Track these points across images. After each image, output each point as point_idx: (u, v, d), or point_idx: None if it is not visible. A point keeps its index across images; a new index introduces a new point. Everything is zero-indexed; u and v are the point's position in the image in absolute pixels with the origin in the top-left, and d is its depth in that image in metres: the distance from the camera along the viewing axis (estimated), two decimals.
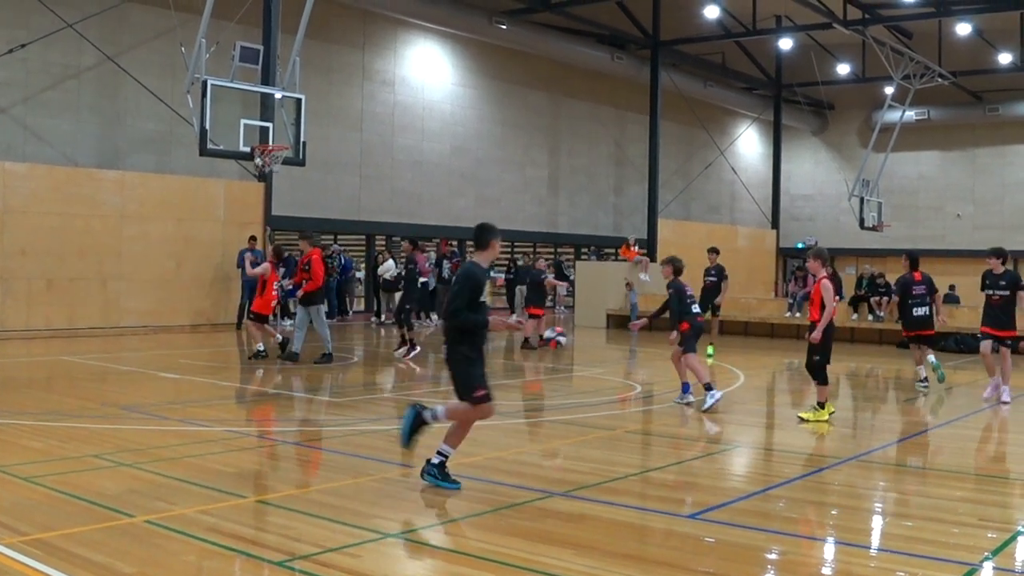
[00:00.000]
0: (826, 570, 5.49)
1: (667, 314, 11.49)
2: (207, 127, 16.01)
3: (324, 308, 15.36)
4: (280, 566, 5.12)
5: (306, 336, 14.86)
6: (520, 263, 27.79)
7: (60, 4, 19.67)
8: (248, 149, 16.79)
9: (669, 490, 7.35)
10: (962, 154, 38.68)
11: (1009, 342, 12.11)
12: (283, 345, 15.12)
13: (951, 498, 7.05)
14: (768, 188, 40.35)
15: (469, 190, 29.63)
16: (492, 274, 31.59)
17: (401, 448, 7.09)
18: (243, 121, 16.68)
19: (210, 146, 16.24)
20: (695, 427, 10.41)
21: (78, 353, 15.80)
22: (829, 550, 5.83)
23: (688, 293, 11.32)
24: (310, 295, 14.66)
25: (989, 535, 6.04)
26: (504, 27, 27.63)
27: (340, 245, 26.48)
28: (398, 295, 19.30)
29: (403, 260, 16.30)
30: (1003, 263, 12.12)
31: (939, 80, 30.50)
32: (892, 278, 17.96)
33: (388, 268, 23.94)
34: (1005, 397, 11.98)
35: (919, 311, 13.34)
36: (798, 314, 22.45)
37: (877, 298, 21.72)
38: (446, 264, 25.43)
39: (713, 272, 17.79)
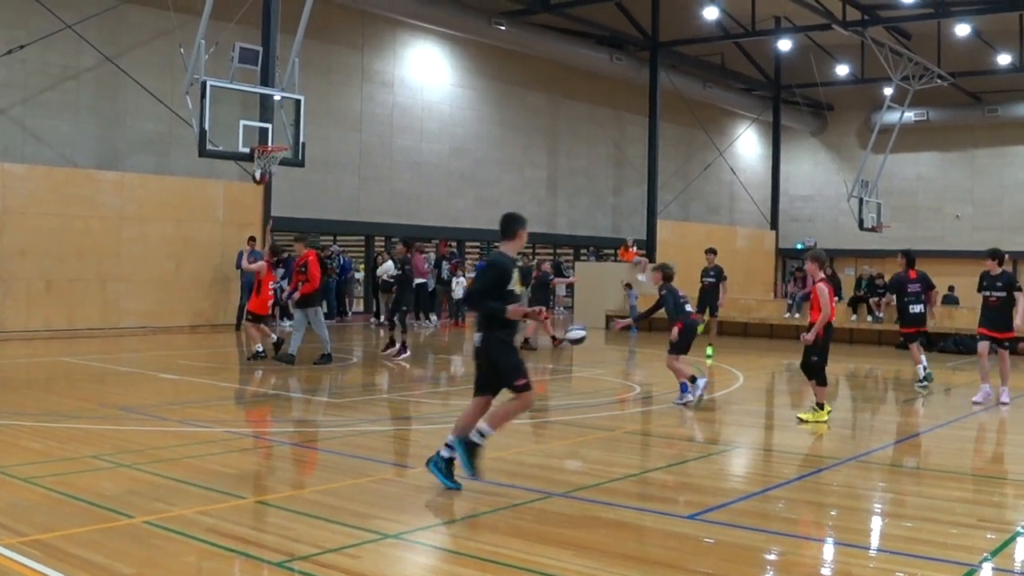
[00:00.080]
0: (825, 571, 5.49)
1: (663, 313, 11.65)
2: (206, 128, 16.00)
3: (322, 309, 15.35)
4: (279, 567, 5.12)
5: (304, 337, 14.85)
6: (519, 264, 27.76)
7: (59, 5, 19.66)
8: (247, 150, 16.77)
9: (668, 491, 7.35)
10: (961, 155, 38.69)
11: (1007, 343, 12.13)
12: (277, 345, 15.11)
13: (950, 499, 7.06)
14: (767, 189, 40.37)
15: (468, 191, 29.64)
16: None
17: (475, 479, 6.85)
18: (242, 122, 16.67)
19: (209, 147, 16.22)
20: (694, 428, 10.42)
21: (77, 354, 15.80)
22: (828, 551, 5.83)
23: (680, 294, 11.54)
24: (308, 297, 14.65)
25: (988, 536, 6.05)
26: (503, 28, 27.63)
27: (339, 246, 26.49)
28: None
29: (399, 261, 16.26)
30: (1000, 264, 12.14)
31: (938, 81, 30.50)
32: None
33: (387, 269, 23.85)
34: (1004, 398, 11.98)
35: (915, 308, 13.60)
36: (797, 315, 22.46)
37: (876, 299, 21.72)
38: (445, 265, 25.45)
39: (712, 273, 17.80)
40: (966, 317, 19.66)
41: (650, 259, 28.92)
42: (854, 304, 22.70)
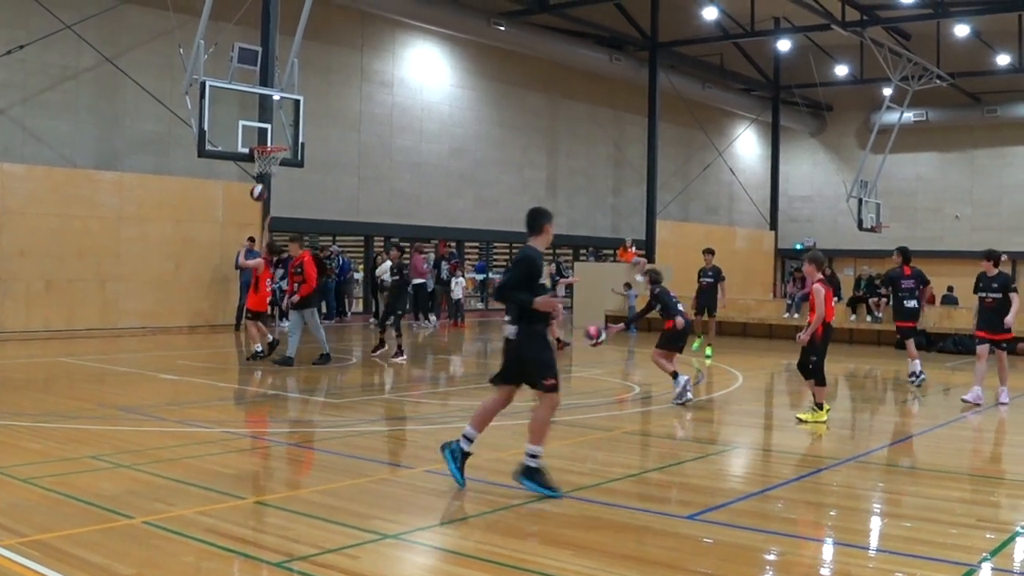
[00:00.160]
0: (824, 571, 5.49)
1: (658, 313, 11.86)
2: (205, 128, 16.00)
3: (320, 310, 15.34)
4: (278, 567, 5.12)
5: (302, 339, 14.84)
6: None
7: (59, 5, 19.66)
8: (247, 150, 16.78)
9: (667, 491, 7.35)
10: (960, 155, 38.70)
11: (1004, 344, 12.14)
12: (272, 345, 15.09)
13: (949, 499, 7.06)
14: (766, 189, 40.38)
15: (467, 191, 29.64)
16: (490, 275, 31.79)
17: (551, 493, 6.68)
18: (241, 122, 16.67)
19: (208, 147, 16.23)
20: (694, 428, 10.42)
21: (76, 354, 15.80)
22: (827, 551, 5.83)
23: (671, 294, 11.80)
24: (305, 298, 14.63)
25: (987, 536, 6.05)
26: (502, 28, 27.63)
27: (338, 246, 26.48)
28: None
29: (395, 266, 16.23)
30: (996, 265, 12.15)
31: (937, 81, 30.51)
32: None
33: (386, 269, 23.91)
34: (1003, 398, 11.99)
35: (908, 303, 14.05)
36: (796, 315, 22.46)
37: (875, 299, 21.74)
38: (444, 265, 25.44)
39: (710, 273, 17.82)
40: (965, 317, 19.68)
41: (649, 259, 28.94)
42: (853, 304, 22.71)
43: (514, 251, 30.57)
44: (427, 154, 28.40)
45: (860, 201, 31.17)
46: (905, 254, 14.26)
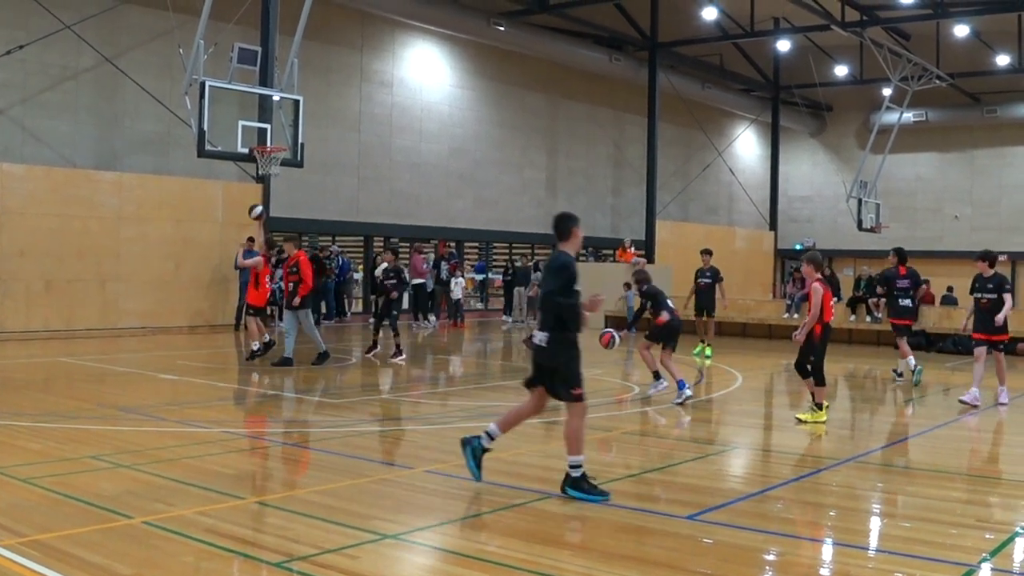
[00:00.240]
0: (824, 571, 5.49)
1: (648, 312, 12.12)
2: (205, 128, 16.01)
3: (319, 310, 15.31)
4: (278, 567, 5.12)
5: (298, 339, 14.82)
6: (518, 264, 27.79)
7: (58, 5, 19.66)
8: (246, 150, 16.78)
9: (667, 491, 7.36)
10: (960, 156, 38.71)
11: (1001, 345, 12.15)
12: (268, 346, 15.08)
13: (949, 499, 7.07)
14: (766, 190, 40.37)
15: (467, 191, 29.64)
16: (490, 275, 31.77)
17: (599, 499, 6.67)
18: (241, 122, 16.68)
19: (208, 147, 16.23)
20: (693, 428, 10.43)
21: (76, 354, 15.80)
22: (827, 551, 5.84)
23: (661, 292, 12.13)
24: (302, 299, 14.60)
25: (987, 536, 6.05)
26: (502, 28, 27.63)
27: (338, 246, 26.48)
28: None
29: (392, 272, 16.19)
30: (992, 266, 12.15)
31: (937, 82, 30.51)
32: None
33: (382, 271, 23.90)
34: (1003, 399, 12.00)
35: (903, 301, 14.44)
36: (796, 315, 22.47)
37: (875, 299, 21.75)
38: (444, 265, 25.44)
39: (708, 274, 17.85)
40: (964, 317, 19.65)
41: (649, 260, 28.95)
42: (853, 304, 22.72)
43: (514, 251, 30.62)
44: (427, 154, 28.40)
45: (860, 201, 31.19)
46: (901, 254, 14.59)
